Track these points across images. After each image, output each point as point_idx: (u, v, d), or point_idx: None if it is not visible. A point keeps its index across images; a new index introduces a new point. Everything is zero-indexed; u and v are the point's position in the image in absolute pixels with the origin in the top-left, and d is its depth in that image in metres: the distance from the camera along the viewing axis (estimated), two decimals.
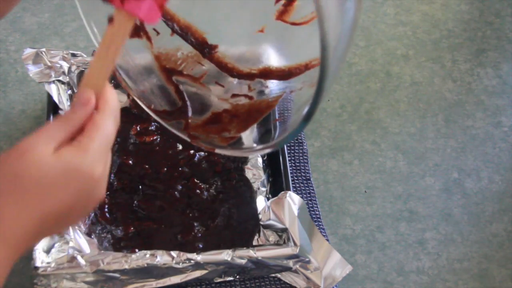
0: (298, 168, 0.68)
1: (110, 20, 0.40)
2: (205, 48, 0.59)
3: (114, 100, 0.41)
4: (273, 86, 0.59)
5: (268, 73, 0.57)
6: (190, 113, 0.60)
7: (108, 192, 0.62)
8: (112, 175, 0.64)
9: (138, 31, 0.57)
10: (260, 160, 0.68)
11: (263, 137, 0.63)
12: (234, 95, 0.60)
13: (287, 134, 0.49)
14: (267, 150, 0.56)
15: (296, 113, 0.50)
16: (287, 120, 0.64)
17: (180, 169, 0.65)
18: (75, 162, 0.36)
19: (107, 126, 0.39)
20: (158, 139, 0.67)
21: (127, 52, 0.59)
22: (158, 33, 0.58)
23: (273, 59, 0.59)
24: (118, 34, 0.41)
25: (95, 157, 0.37)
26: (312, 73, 0.54)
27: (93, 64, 0.42)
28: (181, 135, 0.60)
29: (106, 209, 0.62)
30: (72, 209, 0.37)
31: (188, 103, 0.61)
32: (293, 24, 0.53)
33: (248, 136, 0.63)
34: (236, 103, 0.60)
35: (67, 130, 0.38)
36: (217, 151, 0.58)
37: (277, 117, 0.63)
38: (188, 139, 0.59)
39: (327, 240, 0.62)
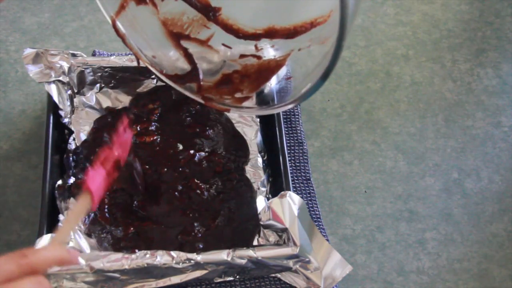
0: (298, 168, 0.68)
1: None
2: (209, 11, 0.59)
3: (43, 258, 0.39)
4: (280, 45, 0.59)
5: (273, 33, 0.58)
6: (201, 76, 0.61)
7: (108, 192, 0.62)
8: None
9: None
10: (260, 160, 0.68)
11: (263, 103, 0.63)
12: (242, 56, 0.60)
13: (303, 92, 0.50)
14: (284, 107, 0.56)
15: (311, 72, 0.50)
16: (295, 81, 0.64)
17: (180, 169, 0.65)
18: None
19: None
20: (158, 139, 0.67)
21: (135, 20, 0.59)
22: None
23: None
24: (79, 207, 0.49)
25: None
26: (319, 30, 0.54)
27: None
28: (195, 97, 0.60)
29: (106, 210, 0.62)
30: None
31: (198, 65, 0.61)
32: None
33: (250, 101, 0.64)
34: (245, 63, 0.60)
35: None
36: (232, 111, 0.59)
37: (286, 77, 0.63)
38: (202, 101, 0.59)
39: (327, 240, 0.62)
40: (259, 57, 0.60)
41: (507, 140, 0.74)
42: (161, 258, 0.55)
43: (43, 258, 0.39)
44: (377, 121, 0.74)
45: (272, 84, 0.64)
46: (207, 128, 0.68)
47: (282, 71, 0.61)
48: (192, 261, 0.55)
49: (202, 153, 0.66)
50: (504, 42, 0.83)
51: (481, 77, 0.79)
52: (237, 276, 0.59)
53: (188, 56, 0.62)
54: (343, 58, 0.79)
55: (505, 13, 0.86)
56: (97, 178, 0.51)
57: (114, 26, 0.58)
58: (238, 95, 0.60)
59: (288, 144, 0.69)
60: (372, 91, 0.77)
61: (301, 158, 0.69)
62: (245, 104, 0.60)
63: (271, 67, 0.60)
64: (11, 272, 0.37)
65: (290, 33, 0.57)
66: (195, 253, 0.56)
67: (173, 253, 0.55)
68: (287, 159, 0.64)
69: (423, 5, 0.86)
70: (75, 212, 0.50)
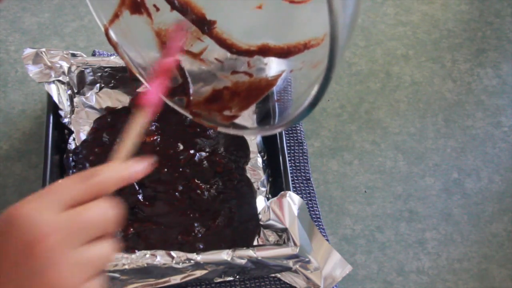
0: (298, 168, 0.68)
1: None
2: (204, 24, 0.59)
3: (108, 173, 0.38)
4: (272, 64, 0.59)
5: (266, 50, 0.58)
6: (191, 90, 0.60)
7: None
8: None
9: (139, 7, 0.58)
10: (260, 160, 0.68)
11: (263, 120, 0.63)
12: (233, 72, 0.60)
13: (291, 118, 0.50)
14: (271, 132, 0.56)
15: (301, 96, 0.50)
16: (287, 102, 0.64)
17: (180, 169, 0.65)
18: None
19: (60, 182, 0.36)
20: (158, 139, 0.67)
21: (129, 29, 0.59)
22: (158, 9, 0.58)
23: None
24: (137, 123, 0.47)
25: (32, 200, 0.33)
26: (312, 53, 0.54)
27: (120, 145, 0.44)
28: (184, 112, 0.60)
29: None
30: None
31: (189, 79, 0.61)
32: (291, 2, 0.53)
33: (248, 118, 0.64)
34: (236, 80, 0.60)
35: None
36: (220, 129, 0.59)
37: (276, 98, 0.63)
38: (191, 117, 0.59)
39: (327, 240, 0.62)
40: (250, 75, 0.60)
41: (507, 140, 0.74)
42: (161, 258, 0.55)
43: (109, 178, 0.38)
44: (377, 121, 0.74)
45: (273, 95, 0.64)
46: (208, 128, 0.68)
47: (278, 87, 0.61)
48: (192, 261, 0.55)
49: (203, 153, 0.66)
50: (504, 42, 0.83)
51: (481, 77, 0.79)
52: (237, 276, 0.59)
53: (180, 69, 0.61)
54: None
55: (505, 13, 0.86)
56: (156, 92, 0.49)
57: (107, 34, 0.58)
58: (226, 112, 0.59)
59: (288, 144, 0.69)
60: (372, 91, 0.77)
61: (301, 158, 0.69)
62: (240, 122, 0.59)
63: (262, 86, 0.59)
64: (81, 191, 0.35)
65: (284, 53, 0.57)
66: (195, 253, 0.56)
67: (173, 253, 0.55)
68: (287, 159, 0.64)
69: (423, 5, 0.86)
70: (134, 129, 0.46)
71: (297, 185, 0.67)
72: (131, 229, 0.61)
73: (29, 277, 0.31)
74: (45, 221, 0.32)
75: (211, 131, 0.68)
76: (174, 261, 0.55)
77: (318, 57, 0.50)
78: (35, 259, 0.31)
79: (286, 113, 0.56)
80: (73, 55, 0.68)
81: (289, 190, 0.61)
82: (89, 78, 0.69)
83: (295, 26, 0.56)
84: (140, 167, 0.41)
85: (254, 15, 0.57)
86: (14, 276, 0.31)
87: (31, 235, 0.31)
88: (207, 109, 0.59)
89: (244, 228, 0.62)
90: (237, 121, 0.60)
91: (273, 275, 0.60)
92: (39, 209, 0.32)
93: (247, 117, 0.62)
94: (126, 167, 0.40)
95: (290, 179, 0.63)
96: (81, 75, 0.69)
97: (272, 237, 0.61)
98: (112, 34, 0.58)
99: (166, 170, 0.65)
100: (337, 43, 0.38)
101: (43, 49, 0.67)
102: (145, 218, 0.62)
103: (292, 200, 0.59)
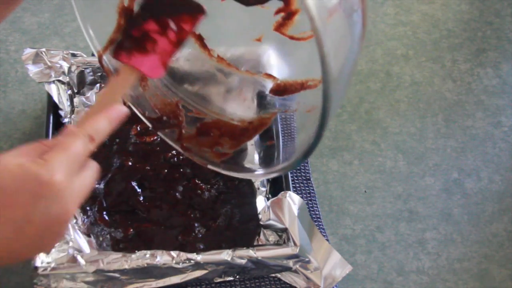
0: (298, 168, 0.68)
1: (116, 71, 0.45)
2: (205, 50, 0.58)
3: (93, 125, 0.43)
4: (268, 101, 0.58)
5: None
6: (184, 122, 0.59)
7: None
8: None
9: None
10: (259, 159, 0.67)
11: (266, 157, 0.63)
12: None
13: (286, 165, 0.50)
14: (265, 177, 0.54)
15: (298, 146, 0.50)
16: (292, 137, 0.63)
17: (181, 170, 0.65)
18: (33, 169, 0.37)
19: (73, 144, 0.40)
20: (159, 139, 0.67)
21: None
22: None
23: (273, 60, 0.59)
24: (122, 84, 0.46)
25: (55, 166, 0.38)
26: (308, 95, 0.53)
27: (93, 108, 0.45)
28: (175, 145, 0.59)
29: (104, 213, 0.61)
30: (29, 215, 0.37)
31: (183, 112, 0.60)
32: (291, 38, 0.52)
33: (250, 155, 0.63)
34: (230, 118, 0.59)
35: (39, 149, 0.39)
36: (210, 167, 0.58)
37: (279, 134, 0.63)
38: (181, 151, 0.58)
39: (327, 240, 0.62)
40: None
41: (507, 140, 0.74)
42: (161, 258, 0.55)
43: (104, 131, 0.43)
44: (377, 121, 0.74)
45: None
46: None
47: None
48: (192, 261, 0.55)
49: None
50: (504, 42, 0.83)
51: (481, 77, 0.79)
52: (237, 276, 0.59)
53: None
54: None
55: (505, 13, 0.86)
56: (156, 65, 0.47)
57: (100, 61, 0.57)
58: (218, 149, 0.58)
59: None
60: (372, 91, 0.77)
61: None
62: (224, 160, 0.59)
63: (255, 125, 0.59)
64: (86, 153, 0.41)
65: (280, 90, 0.56)
66: (195, 253, 0.56)
67: (173, 253, 0.55)
68: None
69: (423, 5, 0.86)
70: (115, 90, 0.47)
71: (297, 185, 0.67)
72: (131, 230, 0.61)
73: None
74: (72, 197, 0.38)
75: None
76: (174, 261, 0.55)
77: (313, 101, 0.49)
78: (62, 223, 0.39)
79: (282, 157, 0.55)
80: (73, 55, 0.68)
81: (289, 190, 0.61)
82: (89, 78, 0.69)
83: (294, 63, 0.55)
84: (119, 111, 0.44)
85: (254, 46, 0.56)
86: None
87: (63, 208, 0.38)
88: (198, 144, 0.58)
89: (244, 228, 0.62)
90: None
91: (273, 275, 0.60)
92: (67, 182, 0.38)
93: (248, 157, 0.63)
94: (110, 116, 0.44)
95: (290, 179, 0.63)
96: (81, 75, 0.69)
97: (272, 237, 0.60)
98: (105, 60, 0.57)
99: (166, 170, 0.64)
100: (330, 106, 0.38)
101: (43, 49, 0.67)
102: (145, 218, 0.62)
103: (292, 200, 0.59)
